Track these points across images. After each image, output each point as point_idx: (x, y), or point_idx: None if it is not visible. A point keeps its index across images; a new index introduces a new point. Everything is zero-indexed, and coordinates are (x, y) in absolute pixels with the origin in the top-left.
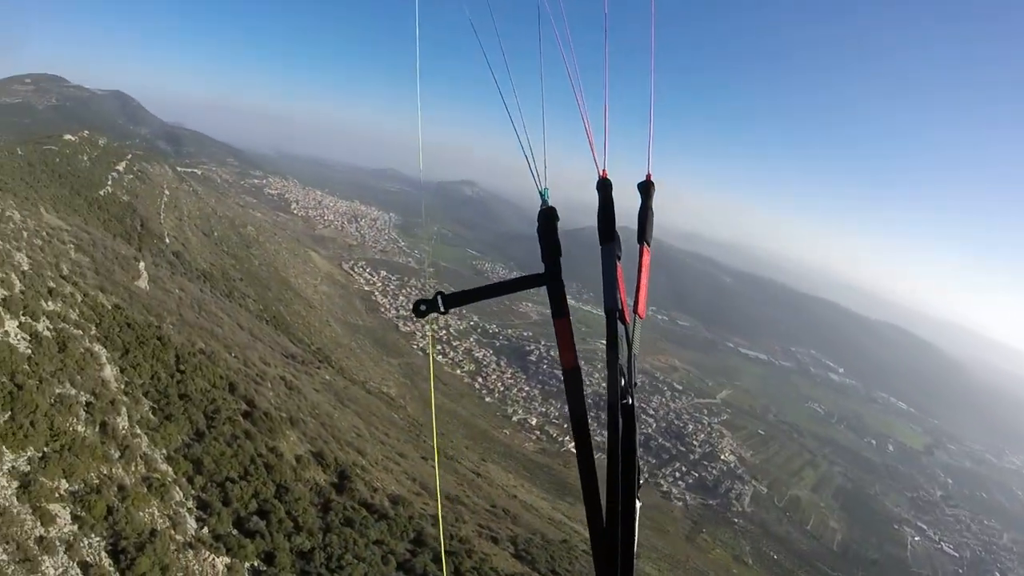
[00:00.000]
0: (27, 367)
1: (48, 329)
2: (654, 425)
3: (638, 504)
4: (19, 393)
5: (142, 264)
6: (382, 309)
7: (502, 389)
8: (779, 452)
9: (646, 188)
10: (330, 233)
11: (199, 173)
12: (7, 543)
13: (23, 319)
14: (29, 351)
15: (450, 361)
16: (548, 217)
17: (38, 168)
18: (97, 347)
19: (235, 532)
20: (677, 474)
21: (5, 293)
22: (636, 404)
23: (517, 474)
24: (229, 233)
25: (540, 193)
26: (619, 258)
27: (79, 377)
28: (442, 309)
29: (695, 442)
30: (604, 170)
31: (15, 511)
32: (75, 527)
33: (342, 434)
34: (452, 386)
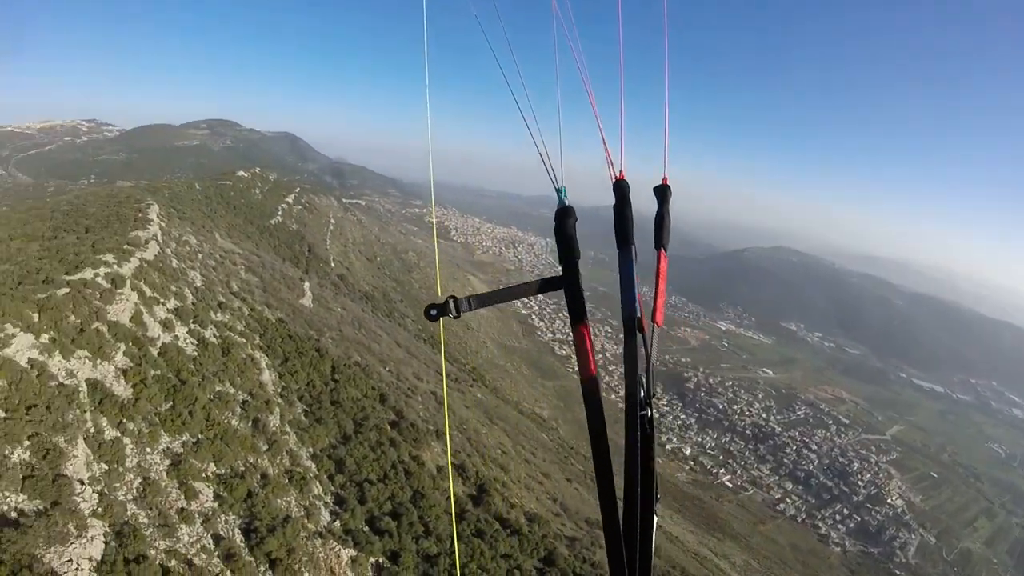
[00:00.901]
0: (191, 366)
1: (214, 336)
2: (816, 462)
3: (656, 519)
4: (181, 387)
5: (307, 284)
6: (538, 332)
7: (657, 416)
8: (952, 498)
9: (662, 192)
10: (488, 258)
11: (363, 204)
12: (150, 509)
13: (192, 326)
14: (195, 353)
15: (605, 385)
16: (565, 216)
17: (214, 200)
18: (258, 354)
19: (366, 529)
20: (837, 516)
21: (178, 304)
22: (655, 415)
23: (665, 504)
24: (391, 258)
25: (557, 191)
26: (636, 263)
27: (239, 378)
28: (454, 314)
29: (860, 482)
30: (621, 172)
31: (163, 484)
32: (215, 504)
33: (487, 450)
34: (606, 411)
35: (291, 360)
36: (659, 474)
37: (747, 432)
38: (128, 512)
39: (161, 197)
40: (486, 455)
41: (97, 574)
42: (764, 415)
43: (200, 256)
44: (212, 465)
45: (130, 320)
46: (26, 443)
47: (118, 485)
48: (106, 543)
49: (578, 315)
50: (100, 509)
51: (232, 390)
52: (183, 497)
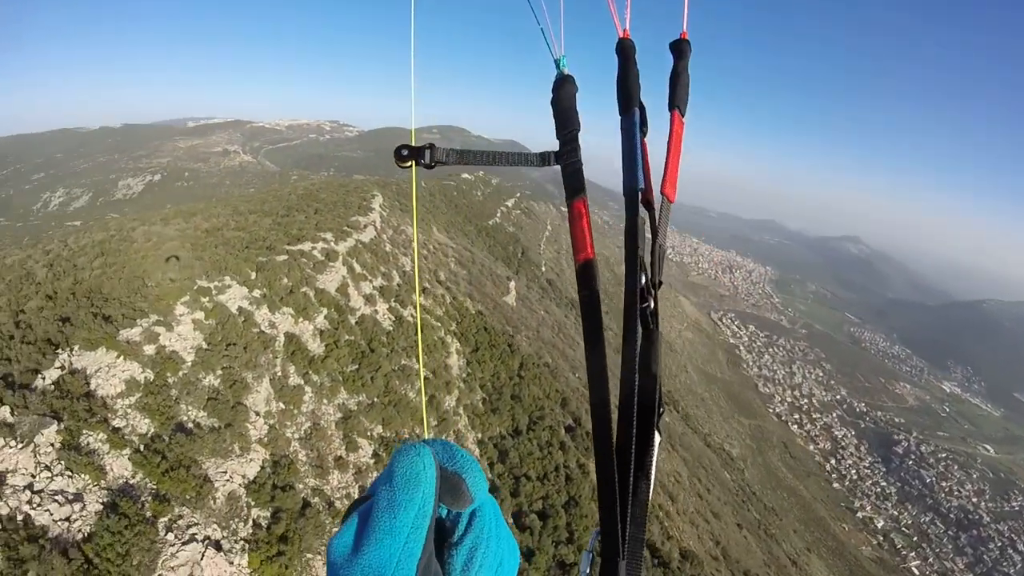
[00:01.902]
0: (383, 338)
1: (412, 316)
2: (1020, 566)
3: (657, 437)
4: (370, 354)
5: (513, 283)
6: (744, 365)
7: (854, 478)
8: None
9: (679, 47)
10: (703, 281)
11: None
12: (311, 450)
13: (393, 304)
14: (390, 328)
15: (805, 434)
16: (563, 85)
17: (437, 198)
18: (450, 339)
19: (509, 521)
20: None
21: (384, 283)
22: (657, 306)
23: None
24: (602, 269)
25: (556, 62)
26: (644, 132)
27: (426, 357)
28: (427, 161)
29: None
30: (626, 30)
31: (329, 432)
32: (371, 461)
33: (660, 475)
34: (801, 461)
35: (481, 350)
36: (663, 381)
37: (951, 515)
38: (291, 448)
39: (388, 191)
40: (657, 480)
41: (245, 489)
42: (974, 499)
43: (599, 276)
44: (379, 427)
45: (336, 290)
46: (219, 372)
47: (288, 424)
48: (262, 467)
49: (575, 190)
50: (266, 439)
51: (417, 367)
52: (344, 448)
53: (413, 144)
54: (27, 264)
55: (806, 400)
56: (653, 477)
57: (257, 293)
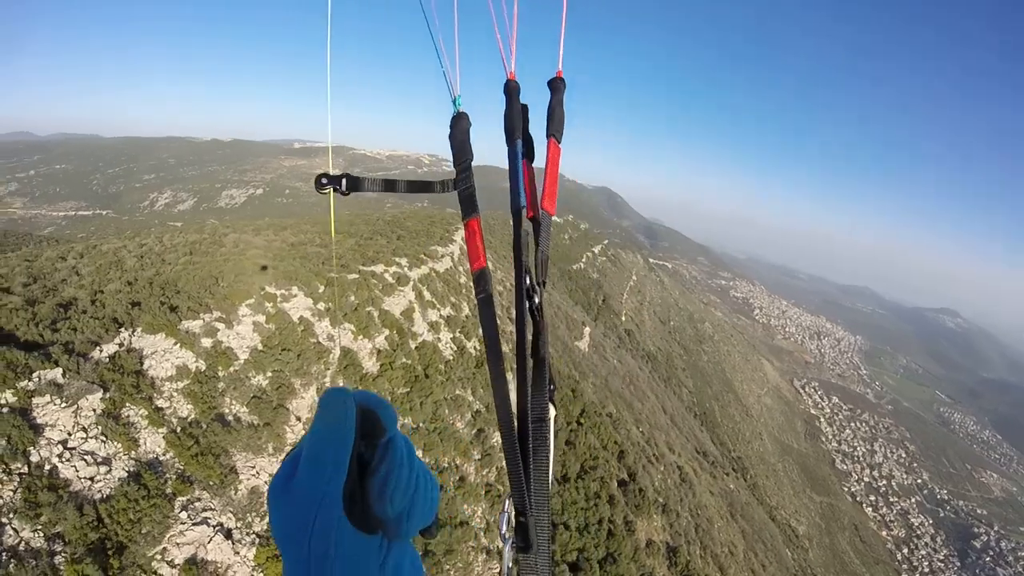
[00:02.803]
0: (441, 367)
1: (475, 349)
2: None
3: (552, 411)
4: (424, 380)
5: (588, 329)
6: (823, 438)
7: (926, 571)
8: None
9: (555, 84)
10: (788, 345)
11: (669, 267)
12: None
13: (457, 335)
14: (450, 357)
15: (879, 518)
16: (459, 121)
17: (523, 237)
18: (510, 376)
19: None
20: None
21: (452, 313)
22: (542, 304)
23: None
24: (685, 325)
25: (453, 101)
26: (529, 158)
27: (482, 391)
28: (343, 189)
29: None
30: (512, 72)
31: None
32: None
33: (712, 544)
34: (871, 547)
35: None
36: (551, 363)
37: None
38: None
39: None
40: (708, 548)
41: (268, 486)
42: None
43: (491, 281)
44: (419, 451)
45: (401, 313)
46: (268, 374)
47: None
48: None
49: (469, 211)
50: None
51: (470, 399)
52: None
53: (331, 173)
54: (120, 252)
55: (884, 482)
56: (551, 442)
57: (321, 306)
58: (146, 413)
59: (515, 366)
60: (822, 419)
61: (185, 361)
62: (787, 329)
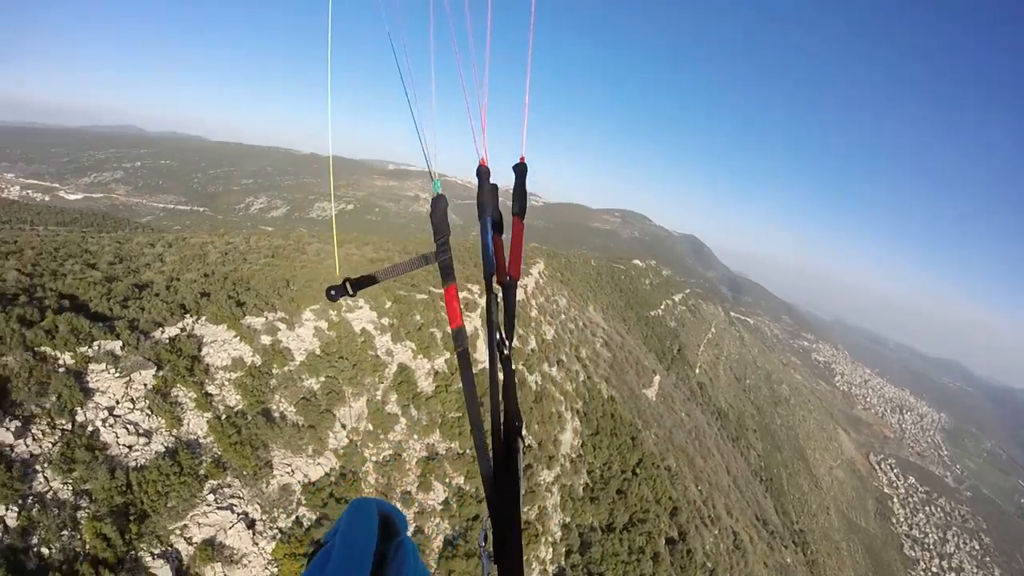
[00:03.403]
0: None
1: (535, 383)
2: None
3: (521, 444)
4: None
5: (658, 378)
6: (894, 520)
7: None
8: None
9: (519, 168)
10: (868, 417)
11: (750, 323)
12: (382, 476)
13: (519, 367)
14: None
15: None
16: (438, 202)
17: (604, 278)
18: (570, 415)
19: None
20: None
21: (518, 346)
22: (510, 354)
23: None
24: (761, 384)
25: (433, 182)
26: (500, 231)
27: (536, 427)
28: (351, 292)
29: None
30: (483, 158)
31: (408, 467)
32: (439, 507)
33: None
34: None
35: (601, 435)
36: (518, 405)
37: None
38: (363, 467)
39: (554, 262)
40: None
41: (302, 487)
42: None
43: (563, 317)
44: (461, 478)
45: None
46: (321, 378)
47: (371, 445)
48: (326, 474)
49: (447, 278)
50: (342, 451)
51: (523, 432)
52: (416, 485)
53: (335, 285)
54: (206, 247)
55: (953, 575)
56: (521, 472)
57: (385, 321)
58: (195, 396)
59: (490, 409)
60: (895, 499)
61: (242, 354)
62: (868, 399)
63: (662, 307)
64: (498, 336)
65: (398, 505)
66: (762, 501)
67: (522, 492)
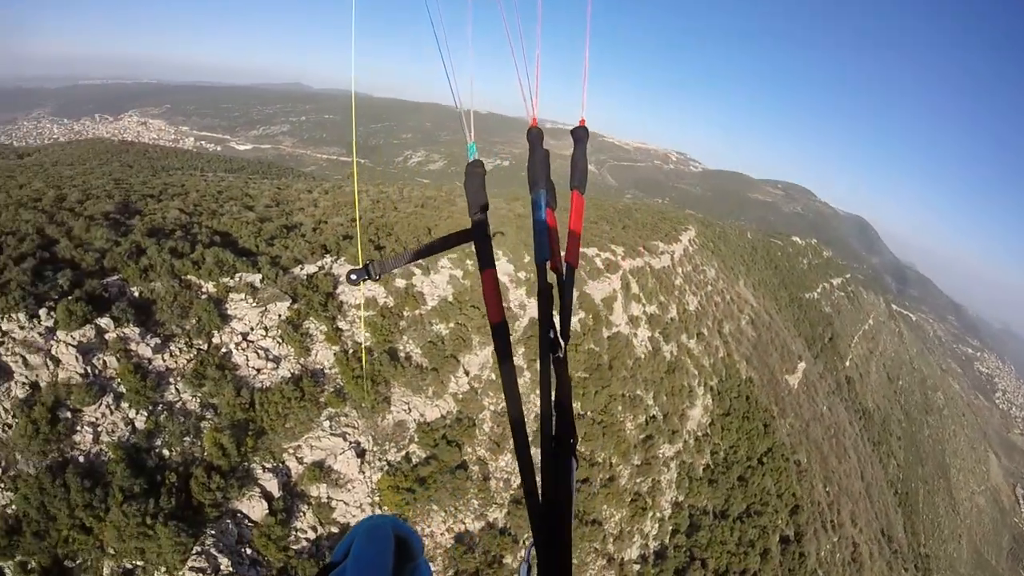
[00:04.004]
0: (628, 361)
1: (671, 353)
2: None
3: (575, 464)
4: (606, 371)
5: (803, 365)
6: None
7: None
8: None
9: (577, 134)
10: None
11: (912, 319)
12: (498, 426)
13: (655, 335)
14: (640, 355)
15: None
16: (476, 170)
17: (758, 253)
18: (702, 391)
19: None
20: None
21: (657, 312)
22: (565, 357)
23: None
24: (914, 388)
25: (468, 147)
26: (553, 207)
27: (664, 397)
28: (374, 276)
29: None
30: (535, 118)
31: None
32: None
33: None
34: None
35: (731, 416)
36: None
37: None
38: (480, 415)
39: (708, 230)
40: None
41: (416, 425)
42: None
43: (709, 289)
44: (579, 440)
45: (601, 300)
46: (451, 325)
47: (491, 394)
48: (442, 416)
49: (486, 261)
50: (461, 395)
51: (649, 402)
52: (530, 440)
53: (356, 268)
54: (359, 195)
55: None
56: (574, 495)
57: (522, 275)
58: (325, 330)
59: (540, 419)
60: None
61: (375, 295)
62: None
63: (818, 290)
64: (552, 335)
65: (508, 456)
66: (892, 515)
67: (574, 517)
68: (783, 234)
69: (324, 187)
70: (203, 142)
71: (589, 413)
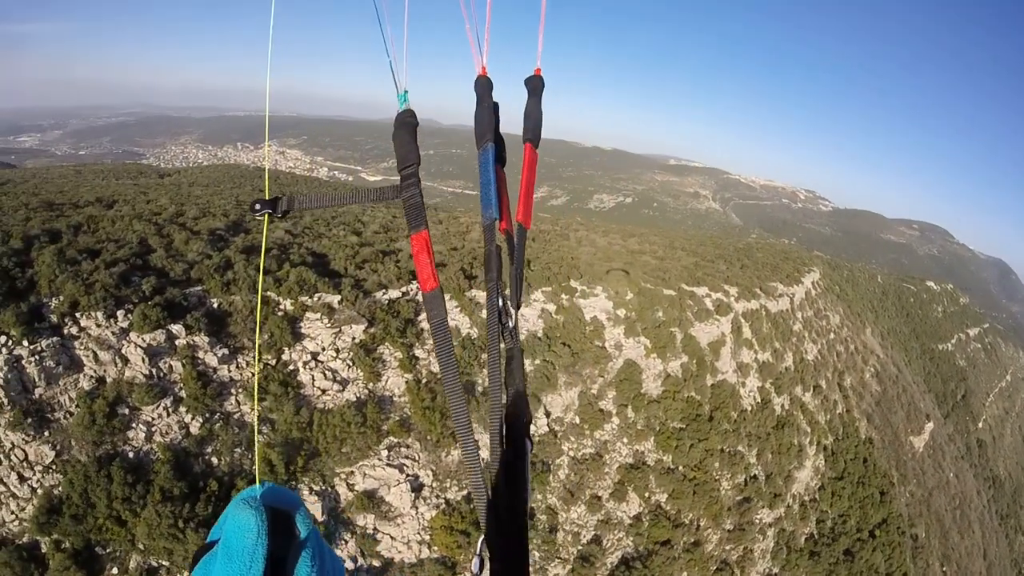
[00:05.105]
0: (733, 415)
1: (782, 407)
2: None
3: (529, 446)
4: (705, 422)
5: (930, 426)
6: None
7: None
8: None
9: (533, 84)
10: None
11: None
12: (575, 474)
13: (766, 385)
14: (748, 407)
15: None
16: (406, 120)
17: (889, 299)
18: (813, 450)
19: None
20: None
21: (770, 360)
22: (517, 327)
23: None
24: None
25: (399, 96)
26: (502, 163)
27: (769, 456)
28: (279, 213)
29: None
30: (484, 67)
31: (606, 470)
32: (628, 520)
33: None
34: None
35: (845, 481)
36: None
37: None
38: (557, 459)
39: (835, 273)
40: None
41: (484, 463)
42: None
43: (831, 336)
44: (663, 496)
45: (708, 344)
46: (536, 361)
47: (572, 439)
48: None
49: (416, 224)
50: (537, 437)
51: (752, 460)
52: (610, 492)
53: (264, 199)
54: (472, 225)
55: None
56: (528, 479)
57: (621, 313)
58: (400, 356)
59: (489, 396)
60: None
61: (460, 325)
62: None
63: (953, 341)
64: (500, 302)
65: (576, 509)
66: None
67: (528, 508)
68: (917, 278)
69: (439, 217)
70: (336, 172)
71: (681, 468)
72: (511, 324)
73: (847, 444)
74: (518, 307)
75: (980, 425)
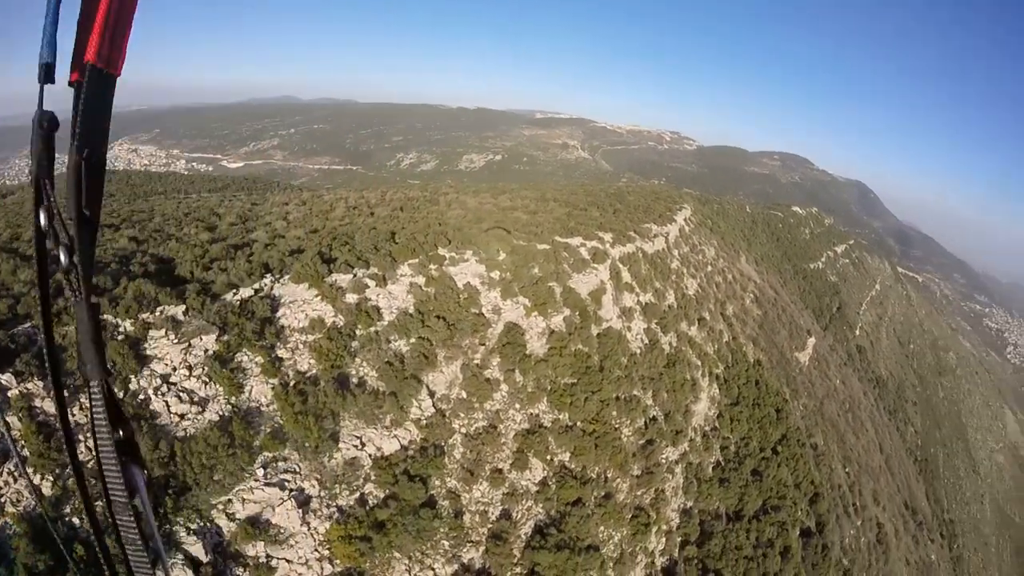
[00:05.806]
0: (623, 360)
1: (669, 345)
2: None
3: (140, 479)
4: (596, 373)
5: (811, 340)
6: None
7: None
8: None
9: None
10: None
11: (919, 280)
12: (471, 451)
13: (652, 326)
14: (636, 351)
15: None
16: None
17: (759, 227)
18: (706, 381)
19: None
20: None
21: (652, 301)
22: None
23: None
24: (926, 351)
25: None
26: None
27: (664, 395)
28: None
29: None
30: None
31: (503, 440)
32: (535, 488)
33: None
34: None
35: (741, 406)
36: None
37: None
38: (450, 440)
39: (705, 208)
40: None
41: (372, 461)
42: None
43: (709, 269)
44: (566, 455)
45: (589, 294)
46: (412, 340)
47: (461, 415)
48: (404, 447)
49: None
50: (425, 421)
51: (648, 402)
52: (510, 463)
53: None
54: (336, 203)
55: None
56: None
57: (496, 275)
58: (261, 361)
59: (48, 369)
60: None
61: (322, 314)
62: None
63: (822, 259)
64: (44, 221)
65: (480, 485)
66: (913, 485)
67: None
68: (783, 205)
69: (302, 198)
70: (195, 163)
71: (579, 424)
72: (66, 260)
73: (738, 370)
74: (96, 224)
75: (857, 332)
